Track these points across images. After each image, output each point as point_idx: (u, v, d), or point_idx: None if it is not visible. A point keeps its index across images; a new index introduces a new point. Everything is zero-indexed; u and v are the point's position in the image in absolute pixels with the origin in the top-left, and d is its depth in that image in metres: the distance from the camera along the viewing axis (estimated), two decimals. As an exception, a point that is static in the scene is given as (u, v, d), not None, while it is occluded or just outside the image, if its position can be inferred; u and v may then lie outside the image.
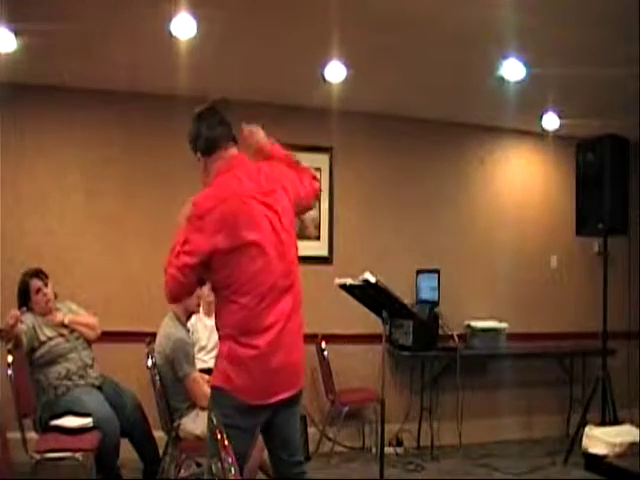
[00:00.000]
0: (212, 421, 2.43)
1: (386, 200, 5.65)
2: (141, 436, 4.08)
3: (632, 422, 3.02)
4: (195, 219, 2.51)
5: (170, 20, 3.58)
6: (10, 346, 3.66)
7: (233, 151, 2.67)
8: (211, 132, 2.64)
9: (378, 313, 3.47)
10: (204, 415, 3.58)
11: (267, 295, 2.52)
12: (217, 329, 2.64)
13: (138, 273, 5.01)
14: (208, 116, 2.67)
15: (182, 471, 3.79)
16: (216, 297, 2.63)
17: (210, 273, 2.54)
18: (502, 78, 4.41)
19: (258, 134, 2.83)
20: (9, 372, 3.54)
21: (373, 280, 3.23)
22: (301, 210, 2.84)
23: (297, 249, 2.70)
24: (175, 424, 3.67)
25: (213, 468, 1.74)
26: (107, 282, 4.96)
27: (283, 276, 2.57)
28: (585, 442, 2.60)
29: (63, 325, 4.01)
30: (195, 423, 3.63)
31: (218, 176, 2.61)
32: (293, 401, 2.64)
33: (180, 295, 2.69)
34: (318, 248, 5.40)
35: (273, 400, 2.54)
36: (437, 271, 5.40)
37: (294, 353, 2.60)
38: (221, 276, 2.52)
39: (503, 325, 5.56)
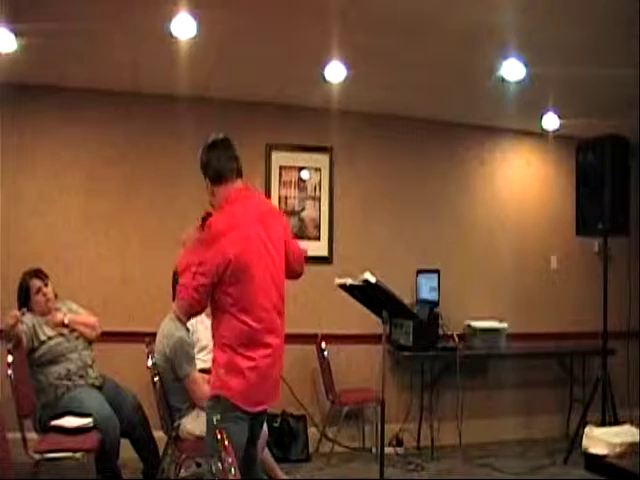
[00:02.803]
0: (212, 422, 2.64)
1: (386, 200, 5.65)
2: (141, 436, 4.08)
3: (632, 422, 3.01)
4: (210, 240, 2.74)
5: (170, 20, 3.58)
6: (10, 346, 3.66)
7: (239, 184, 2.91)
8: (221, 165, 2.86)
9: (378, 313, 3.47)
10: (204, 415, 3.58)
11: (266, 316, 2.79)
12: (212, 337, 2.86)
13: (138, 273, 5.02)
14: (221, 148, 2.90)
15: (182, 471, 3.79)
16: (216, 311, 2.84)
17: (215, 291, 2.75)
18: (502, 78, 4.41)
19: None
20: (9, 372, 3.54)
21: (373, 280, 3.23)
22: (290, 268, 3.02)
23: (284, 279, 2.98)
24: (175, 424, 3.67)
25: (213, 468, 1.77)
26: (107, 282, 4.96)
27: (278, 299, 2.87)
28: (585, 442, 2.60)
29: (63, 325, 4.02)
30: (195, 423, 3.63)
31: (227, 204, 2.85)
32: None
33: (196, 312, 2.91)
34: (318, 248, 5.40)
35: (259, 408, 2.84)
36: (437, 271, 5.40)
37: (279, 368, 2.90)
38: (226, 294, 2.74)
39: (503, 325, 5.55)
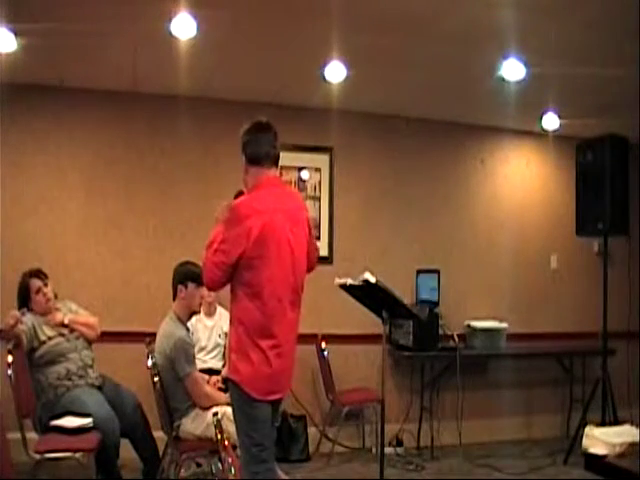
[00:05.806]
0: (235, 401, 2.82)
1: (386, 200, 5.64)
2: (141, 436, 4.08)
3: (632, 422, 3.01)
4: (233, 222, 2.78)
5: (170, 20, 3.58)
6: (10, 346, 3.67)
7: (273, 172, 2.98)
8: (259, 147, 2.92)
9: (378, 313, 3.47)
10: (204, 415, 3.60)
11: (278, 307, 2.82)
12: (230, 320, 2.89)
13: (138, 273, 5.02)
14: (262, 132, 2.96)
15: (182, 471, 3.79)
16: (232, 294, 2.87)
17: (234, 272, 2.81)
18: (502, 78, 4.41)
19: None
20: (9, 372, 3.54)
21: (373, 280, 3.24)
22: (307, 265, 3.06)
23: (305, 273, 3.02)
24: (175, 424, 3.67)
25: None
26: (107, 282, 4.96)
27: (293, 291, 2.89)
28: (585, 442, 2.60)
29: (63, 325, 4.02)
30: (195, 423, 3.63)
31: (257, 188, 2.90)
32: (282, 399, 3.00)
33: (217, 285, 2.91)
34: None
35: (272, 398, 2.84)
36: (437, 271, 5.40)
37: (291, 359, 2.93)
38: (243, 277, 2.79)
39: (503, 325, 5.55)
